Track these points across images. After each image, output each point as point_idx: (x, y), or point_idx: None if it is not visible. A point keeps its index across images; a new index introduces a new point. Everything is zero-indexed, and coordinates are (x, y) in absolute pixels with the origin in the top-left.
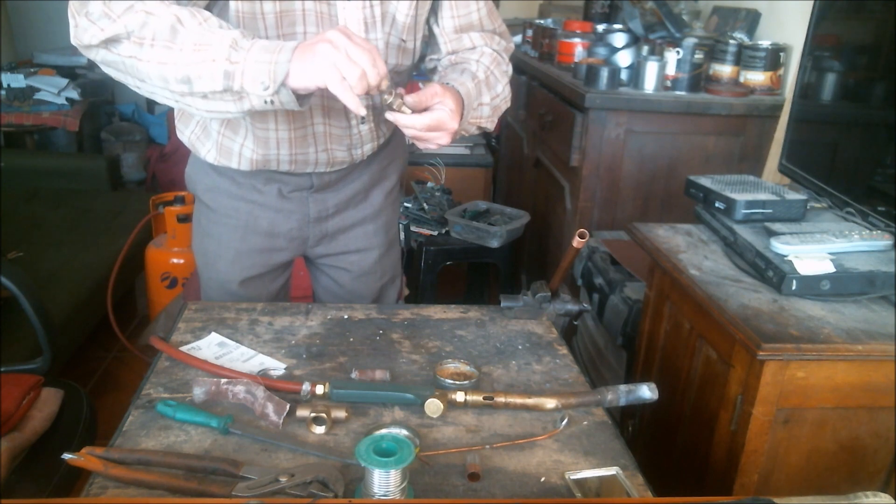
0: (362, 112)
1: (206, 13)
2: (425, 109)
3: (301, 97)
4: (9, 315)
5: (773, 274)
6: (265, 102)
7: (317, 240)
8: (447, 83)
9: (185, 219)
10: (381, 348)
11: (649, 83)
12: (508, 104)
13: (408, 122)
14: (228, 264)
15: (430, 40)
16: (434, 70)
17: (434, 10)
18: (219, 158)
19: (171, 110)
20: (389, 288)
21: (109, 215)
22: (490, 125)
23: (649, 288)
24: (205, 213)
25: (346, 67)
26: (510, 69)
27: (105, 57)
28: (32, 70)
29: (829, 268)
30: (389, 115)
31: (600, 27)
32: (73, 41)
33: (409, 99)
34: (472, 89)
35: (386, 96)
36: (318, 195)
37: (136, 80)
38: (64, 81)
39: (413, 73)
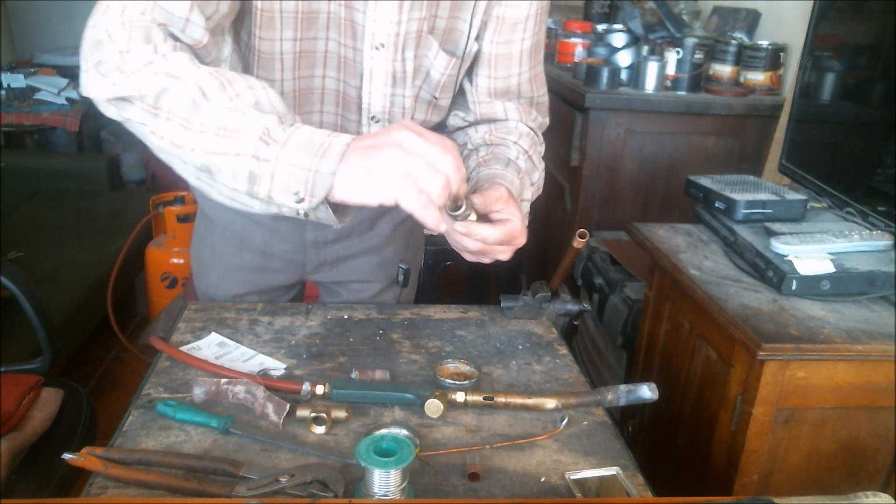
0: (442, 229)
1: (247, 82)
2: (486, 213)
3: (340, 209)
4: (9, 315)
5: (773, 274)
6: (297, 214)
7: (314, 266)
8: (497, 182)
9: (185, 219)
10: (381, 348)
11: (649, 83)
12: (540, 192)
13: (481, 233)
14: (220, 276)
15: (459, 95)
16: (461, 129)
17: (470, 65)
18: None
19: None
20: None
21: (109, 215)
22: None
23: (649, 288)
24: (203, 220)
25: (425, 177)
26: (543, 148)
27: (117, 114)
28: (32, 70)
29: (829, 268)
30: (458, 226)
31: (600, 27)
32: (83, 92)
33: (476, 200)
34: (518, 187)
35: (460, 203)
36: None
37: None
38: (64, 81)
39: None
